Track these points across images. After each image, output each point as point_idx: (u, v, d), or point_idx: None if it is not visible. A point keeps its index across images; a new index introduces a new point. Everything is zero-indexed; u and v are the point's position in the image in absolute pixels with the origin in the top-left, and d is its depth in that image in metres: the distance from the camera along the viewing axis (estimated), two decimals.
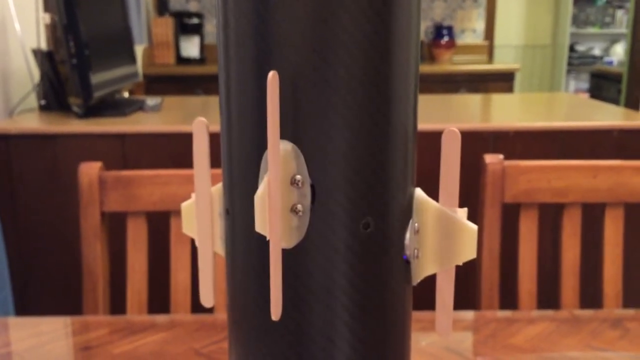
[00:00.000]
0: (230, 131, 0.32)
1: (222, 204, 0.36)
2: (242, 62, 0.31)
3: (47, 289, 1.77)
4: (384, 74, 0.31)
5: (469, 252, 0.33)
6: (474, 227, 0.33)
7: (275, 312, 0.30)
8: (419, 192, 0.35)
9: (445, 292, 0.35)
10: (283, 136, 0.30)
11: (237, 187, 0.33)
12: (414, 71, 0.33)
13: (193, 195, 0.37)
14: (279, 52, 0.30)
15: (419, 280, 0.35)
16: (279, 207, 0.29)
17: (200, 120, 0.35)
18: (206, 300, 0.37)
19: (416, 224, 0.34)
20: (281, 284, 0.30)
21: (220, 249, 0.37)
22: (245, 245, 0.33)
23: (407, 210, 0.34)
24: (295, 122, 0.30)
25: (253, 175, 0.32)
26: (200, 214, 0.36)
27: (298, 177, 0.31)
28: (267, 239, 0.29)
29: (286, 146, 0.30)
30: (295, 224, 0.31)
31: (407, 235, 0.34)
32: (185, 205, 0.39)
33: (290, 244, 0.31)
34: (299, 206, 0.31)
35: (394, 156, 0.32)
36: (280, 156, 0.29)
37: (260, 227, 0.29)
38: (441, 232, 0.34)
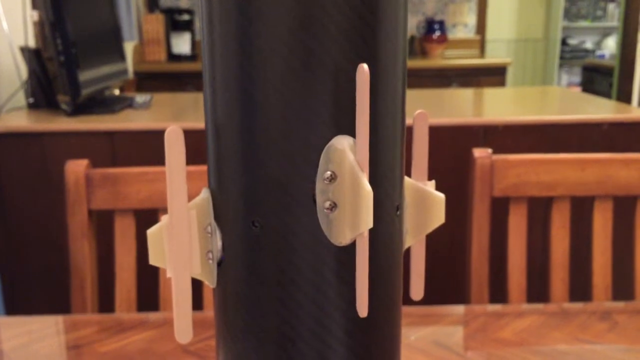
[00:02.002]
0: (246, 136, 0.31)
1: (204, 221, 0.33)
2: (226, 60, 0.30)
3: (36, 287, 1.76)
4: (373, 68, 0.30)
5: (438, 219, 0.36)
6: (442, 195, 0.36)
7: (364, 309, 0.30)
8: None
9: (418, 259, 0.38)
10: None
11: (276, 194, 0.31)
12: (401, 65, 0.32)
13: (163, 218, 0.33)
14: (264, 51, 0.29)
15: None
16: (372, 203, 0.29)
17: (173, 128, 0.31)
18: (183, 336, 0.34)
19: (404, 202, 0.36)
20: (367, 282, 0.30)
21: (199, 272, 0.34)
22: (283, 254, 0.31)
23: (399, 201, 0.35)
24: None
25: (298, 177, 0.31)
26: (177, 237, 0.32)
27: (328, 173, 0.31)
28: (364, 235, 0.29)
29: (349, 140, 0.30)
30: (331, 219, 0.31)
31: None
32: (152, 232, 0.33)
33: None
34: (328, 203, 0.31)
35: (398, 139, 0.33)
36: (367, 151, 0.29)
37: (365, 224, 0.29)
38: (417, 206, 0.36)
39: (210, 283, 0.34)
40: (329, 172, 0.30)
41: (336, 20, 0.29)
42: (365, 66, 0.28)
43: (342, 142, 0.30)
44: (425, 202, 0.36)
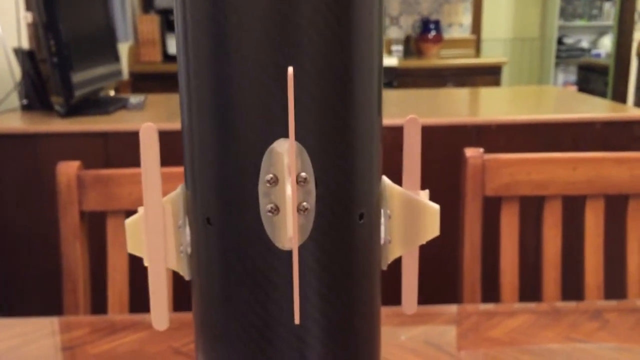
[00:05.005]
0: (204, 136, 0.31)
1: (178, 215, 0.34)
2: (198, 59, 0.30)
3: (28, 289, 1.76)
4: (347, 66, 0.30)
5: (432, 231, 0.35)
6: (436, 206, 0.34)
7: (297, 316, 0.30)
8: (385, 180, 0.36)
9: (410, 271, 0.37)
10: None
11: (224, 194, 0.31)
12: (377, 66, 0.32)
13: (140, 209, 0.34)
14: (238, 48, 0.29)
15: (387, 264, 0.36)
16: (296, 208, 0.29)
17: (148, 125, 0.33)
18: (160, 323, 0.35)
19: (388, 211, 0.35)
20: (298, 287, 0.30)
21: (174, 264, 0.35)
22: (233, 254, 0.32)
23: (381, 198, 0.35)
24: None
25: (243, 179, 0.31)
26: (152, 230, 0.34)
27: (303, 174, 0.30)
28: (293, 242, 0.29)
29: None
30: (301, 223, 0.31)
31: (382, 221, 0.35)
32: (130, 222, 0.35)
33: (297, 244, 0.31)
34: (305, 204, 0.30)
35: (371, 145, 0.33)
36: (294, 155, 0.29)
37: (289, 230, 0.29)
38: (406, 215, 0.35)
39: (185, 275, 0.35)
40: (270, 175, 0.30)
41: (310, 19, 0.29)
42: (291, 69, 0.27)
43: (282, 146, 0.29)
44: (416, 212, 0.35)
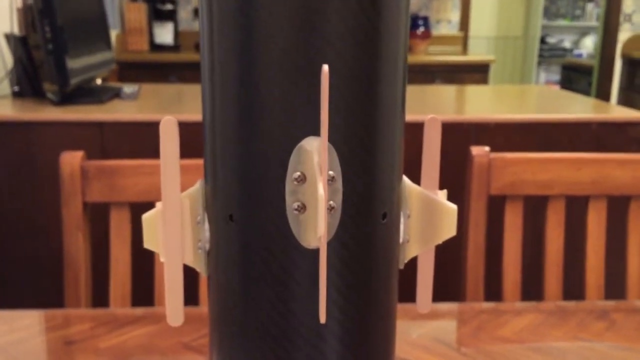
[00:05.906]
0: (228, 132, 0.31)
1: (196, 211, 0.34)
2: (225, 53, 0.30)
3: (22, 280, 1.73)
4: (375, 62, 0.30)
5: (449, 231, 0.35)
6: (454, 206, 0.35)
7: (323, 314, 0.29)
8: (405, 179, 0.36)
9: (426, 270, 0.37)
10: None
11: (248, 191, 0.31)
12: (402, 65, 0.32)
13: (158, 204, 0.34)
14: (266, 43, 0.29)
15: (404, 263, 0.36)
16: (327, 207, 0.28)
17: (168, 119, 0.32)
18: (175, 319, 0.34)
19: (407, 210, 0.35)
20: (325, 286, 0.29)
21: (191, 260, 0.34)
22: (255, 251, 0.31)
23: (402, 197, 0.35)
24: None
25: (268, 176, 0.30)
26: (170, 225, 0.33)
27: (331, 173, 0.30)
28: (322, 241, 0.28)
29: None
30: (327, 222, 0.30)
31: (402, 220, 0.35)
32: (147, 217, 0.34)
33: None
34: (332, 203, 0.30)
35: (395, 144, 0.32)
36: (326, 154, 0.28)
37: (320, 229, 0.28)
38: (424, 214, 0.35)
39: (202, 271, 0.35)
40: (298, 173, 0.29)
41: (340, 13, 0.28)
42: (326, 67, 0.27)
43: (311, 144, 0.29)
44: (434, 212, 0.35)
